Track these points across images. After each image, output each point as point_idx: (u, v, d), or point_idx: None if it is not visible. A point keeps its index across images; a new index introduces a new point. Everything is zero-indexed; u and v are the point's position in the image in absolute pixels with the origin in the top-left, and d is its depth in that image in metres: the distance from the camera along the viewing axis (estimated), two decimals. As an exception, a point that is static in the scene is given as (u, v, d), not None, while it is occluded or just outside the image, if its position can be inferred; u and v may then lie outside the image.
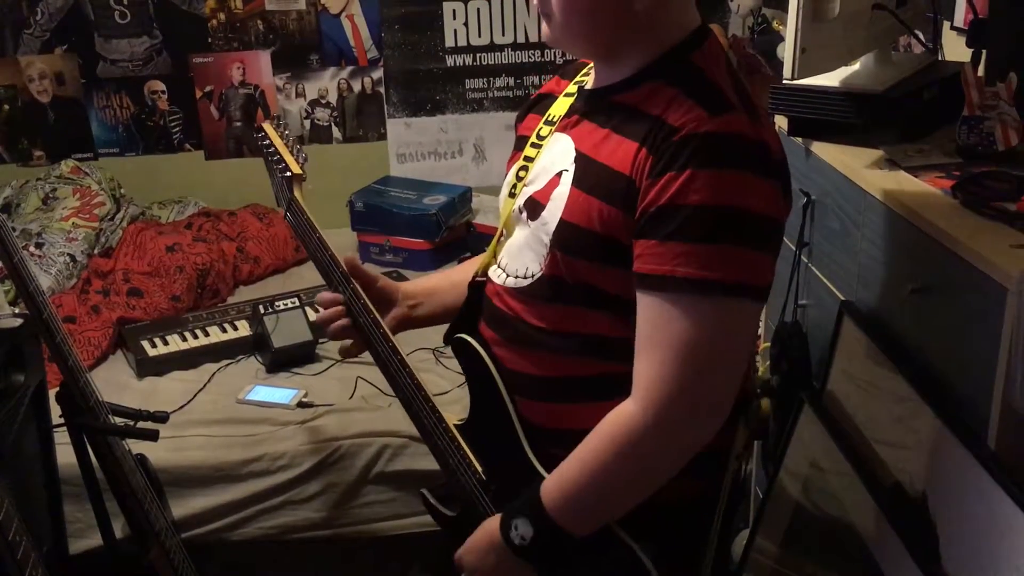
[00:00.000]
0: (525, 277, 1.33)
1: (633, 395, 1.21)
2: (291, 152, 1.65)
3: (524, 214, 1.34)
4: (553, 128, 1.36)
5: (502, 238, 1.41)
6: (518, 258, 1.35)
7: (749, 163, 1.16)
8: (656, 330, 1.18)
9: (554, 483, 1.27)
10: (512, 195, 1.39)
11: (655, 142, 1.18)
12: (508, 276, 1.36)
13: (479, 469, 1.41)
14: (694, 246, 1.15)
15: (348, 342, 1.53)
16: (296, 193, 1.61)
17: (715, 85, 1.21)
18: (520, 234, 1.36)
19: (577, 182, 1.26)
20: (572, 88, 1.39)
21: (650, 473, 1.24)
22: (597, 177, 1.24)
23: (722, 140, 1.15)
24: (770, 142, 1.20)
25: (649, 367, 1.19)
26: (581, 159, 1.27)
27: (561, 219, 1.26)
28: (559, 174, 1.29)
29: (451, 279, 1.59)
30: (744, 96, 1.22)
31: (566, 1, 1.25)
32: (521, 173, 1.38)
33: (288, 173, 1.62)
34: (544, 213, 1.29)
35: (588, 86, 1.35)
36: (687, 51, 1.25)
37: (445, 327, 1.50)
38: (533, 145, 1.38)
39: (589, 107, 1.32)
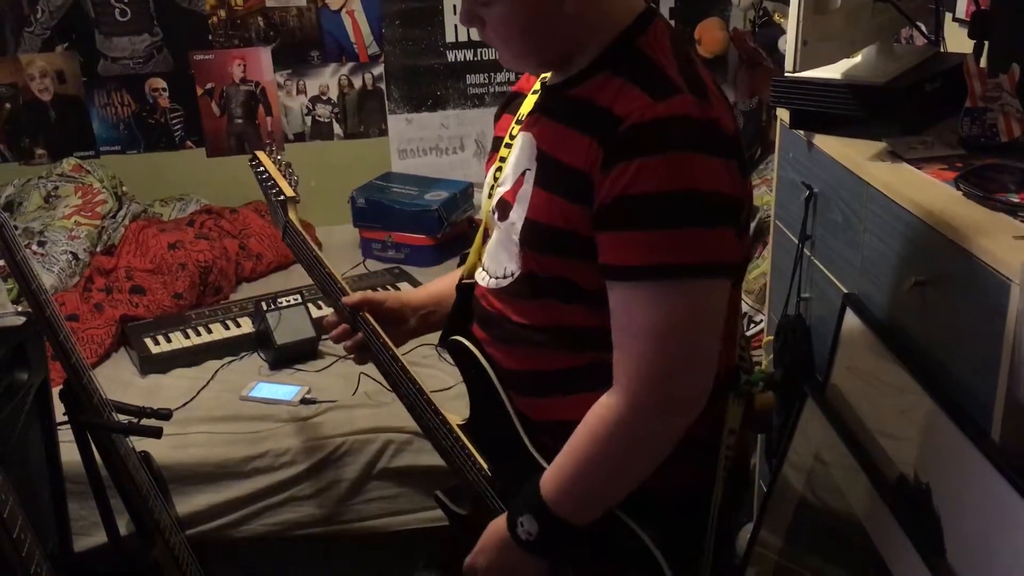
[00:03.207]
0: (504, 277, 1.35)
1: (613, 385, 1.22)
2: (284, 176, 1.74)
3: (496, 215, 1.37)
4: (520, 127, 1.37)
5: (486, 239, 1.43)
6: (495, 259, 1.37)
7: (696, 144, 1.16)
8: (627, 319, 1.20)
9: (550, 477, 1.29)
10: (491, 196, 1.40)
11: (604, 134, 1.18)
12: (489, 277, 1.39)
13: (484, 465, 1.43)
14: (652, 233, 1.16)
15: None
16: (291, 215, 1.68)
17: (659, 69, 1.20)
18: (495, 235, 1.38)
19: (539, 181, 1.28)
20: (538, 85, 1.39)
21: (639, 459, 1.25)
22: (556, 174, 1.25)
23: (667, 124, 1.15)
24: (720, 119, 1.20)
25: (625, 357, 1.21)
26: (542, 157, 1.29)
27: (527, 218, 1.28)
28: (523, 174, 1.31)
29: (455, 283, 1.60)
30: (692, 76, 1.21)
31: (500, 30, 1.26)
32: (496, 174, 1.40)
33: (282, 197, 1.70)
34: (512, 214, 1.32)
35: (548, 82, 1.36)
36: (632, 37, 1.25)
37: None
38: (506, 145, 1.40)
39: (547, 104, 1.33)
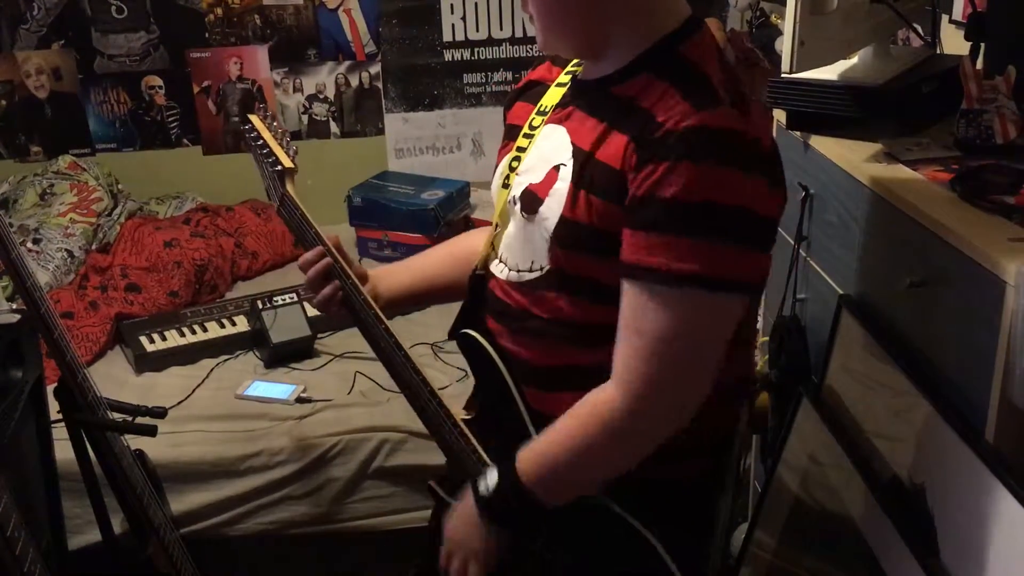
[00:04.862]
0: (529, 271, 1.32)
1: (612, 378, 1.22)
2: (281, 145, 1.62)
3: (518, 206, 1.33)
4: (545, 118, 1.35)
5: (497, 229, 1.40)
6: (519, 252, 1.34)
7: (730, 158, 1.15)
8: (633, 318, 1.20)
9: (529, 449, 1.29)
10: (506, 186, 1.38)
11: (642, 136, 1.18)
12: (510, 270, 1.35)
13: (486, 459, 1.40)
14: (668, 238, 1.15)
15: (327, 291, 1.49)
16: (288, 188, 1.58)
17: (704, 78, 1.20)
18: (518, 228, 1.35)
19: (576, 178, 1.26)
20: (564, 78, 1.37)
21: (617, 455, 1.25)
22: (594, 173, 1.24)
23: (703, 134, 1.14)
24: (760, 136, 1.20)
25: (627, 353, 1.21)
26: (579, 154, 1.27)
27: (561, 216, 1.26)
28: (557, 168, 1.28)
29: (424, 274, 1.60)
30: (735, 89, 1.21)
31: (539, 6, 1.26)
32: (514, 163, 1.37)
33: (279, 167, 1.58)
34: (543, 208, 1.29)
35: (581, 76, 1.34)
36: (677, 42, 1.25)
37: (445, 323, 1.50)
38: (525, 135, 1.37)
39: (584, 99, 1.31)
